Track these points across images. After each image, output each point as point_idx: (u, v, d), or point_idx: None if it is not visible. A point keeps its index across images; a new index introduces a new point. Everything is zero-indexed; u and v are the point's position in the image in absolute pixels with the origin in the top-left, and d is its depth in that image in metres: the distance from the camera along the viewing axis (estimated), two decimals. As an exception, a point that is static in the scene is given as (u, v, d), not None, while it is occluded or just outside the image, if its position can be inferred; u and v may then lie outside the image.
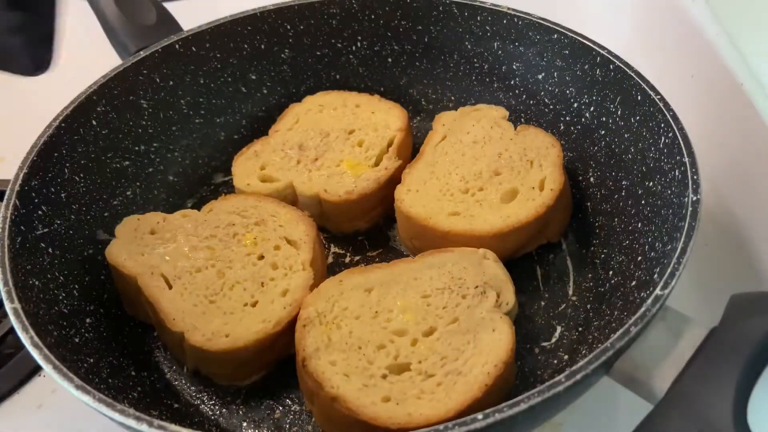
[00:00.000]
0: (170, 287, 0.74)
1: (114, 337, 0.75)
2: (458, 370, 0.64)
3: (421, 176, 0.84)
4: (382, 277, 0.72)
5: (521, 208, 0.79)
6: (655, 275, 0.66)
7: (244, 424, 0.70)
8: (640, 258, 0.73)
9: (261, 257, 0.76)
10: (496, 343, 0.66)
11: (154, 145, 0.90)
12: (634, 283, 0.72)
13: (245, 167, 0.87)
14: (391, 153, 0.87)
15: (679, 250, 0.62)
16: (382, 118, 0.91)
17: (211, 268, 0.75)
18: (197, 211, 0.81)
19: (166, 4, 0.98)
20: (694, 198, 0.66)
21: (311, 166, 0.86)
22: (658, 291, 0.58)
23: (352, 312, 0.69)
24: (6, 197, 0.71)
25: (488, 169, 0.83)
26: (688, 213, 0.65)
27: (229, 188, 0.91)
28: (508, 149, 0.85)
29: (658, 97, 0.76)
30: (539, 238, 0.82)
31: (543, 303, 0.79)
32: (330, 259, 0.85)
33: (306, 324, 0.68)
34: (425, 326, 0.68)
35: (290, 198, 0.85)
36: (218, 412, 0.71)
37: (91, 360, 0.68)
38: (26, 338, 0.60)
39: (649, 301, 0.58)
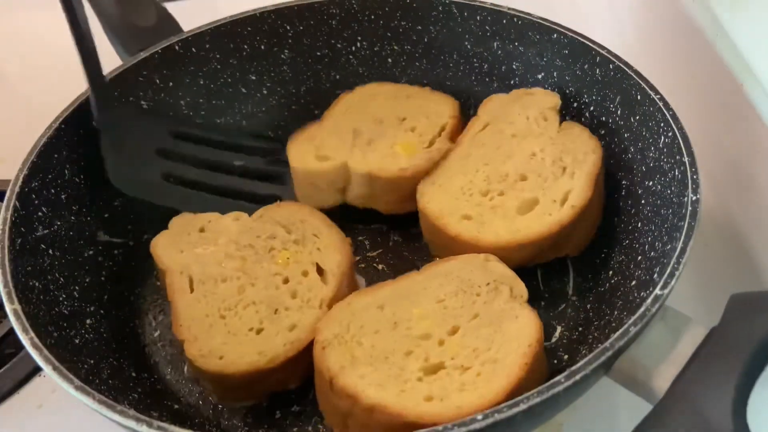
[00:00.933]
0: (192, 290, 0.73)
1: (114, 338, 0.75)
2: (493, 358, 0.63)
3: (450, 169, 0.82)
4: (390, 293, 0.70)
5: (535, 222, 0.75)
6: (655, 275, 0.66)
7: (245, 425, 0.70)
8: (639, 257, 0.73)
9: (286, 281, 0.73)
10: (523, 328, 0.65)
11: (155, 145, 0.90)
12: (633, 282, 0.72)
13: (300, 149, 0.88)
14: (444, 137, 0.88)
15: (678, 249, 0.62)
16: (433, 107, 0.92)
17: (236, 281, 0.73)
18: (247, 216, 0.80)
19: (165, 5, 0.98)
20: (694, 198, 0.66)
21: (365, 148, 0.87)
22: (657, 291, 0.58)
23: (369, 328, 0.67)
24: (6, 198, 0.71)
25: (516, 171, 0.79)
26: (688, 212, 0.65)
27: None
28: (543, 150, 0.80)
29: (658, 96, 0.76)
30: (556, 251, 0.78)
31: (543, 303, 0.79)
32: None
33: (325, 346, 0.66)
34: (448, 326, 0.67)
35: (343, 178, 0.85)
36: (218, 413, 0.71)
37: (92, 361, 0.68)
38: (26, 339, 0.60)
39: (649, 300, 0.58)
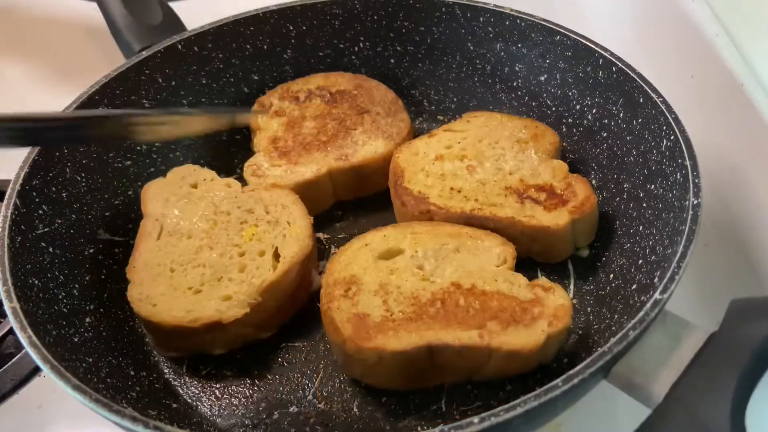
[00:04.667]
0: (158, 238, 0.78)
1: (114, 336, 0.75)
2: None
3: None
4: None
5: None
6: (656, 279, 0.66)
7: (242, 424, 0.70)
8: (641, 261, 0.73)
9: (242, 254, 0.76)
10: None
11: (156, 144, 0.90)
12: (634, 286, 0.72)
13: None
14: None
15: (679, 254, 0.61)
16: None
17: (198, 241, 0.78)
18: (240, 185, 0.84)
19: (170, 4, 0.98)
20: (695, 201, 0.65)
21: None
22: (657, 295, 0.58)
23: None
24: (7, 197, 0.71)
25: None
26: (689, 217, 0.64)
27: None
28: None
29: (660, 99, 0.75)
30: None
31: (543, 306, 0.78)
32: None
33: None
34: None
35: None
36: (216, 412, 0.71)
37: (90, 360, 0.68)
38: (24, 338, 0.60)
39: (648, 305, 0.57)
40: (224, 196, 0.82)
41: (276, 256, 0.76)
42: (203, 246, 0.77)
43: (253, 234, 0.78)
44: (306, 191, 0.84)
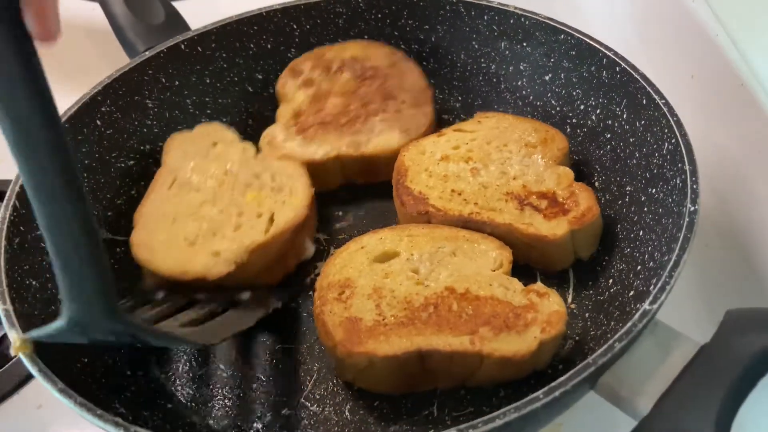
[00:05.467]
0: (169, 188, 0.82)
1: (111, 336, 0.76)
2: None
3: None
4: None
5: None
6: (652, 286, 0.64)
7: (235, 426, 0.71)
8: (639, 267, 0.72)
9: (240, 214, 0.79)
10: None
11: (160, 144, 0.91)
12: (632, 293, 0.70)
13: None
14: None
15: (672, 262, 0.60)
16: None
17: (203, 195, 0.81)
18: (255, 151, 0.87)
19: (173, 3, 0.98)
20: (692, 208, 0.64)
21: None
22: (646, 306, 0.57)
23: None
24: (6, 198, 0.72)
25: None
26: (685, 223, 0.63)
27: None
28: None
29: (663, 101, 0.74)
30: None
31: (541, 310, 0.77)
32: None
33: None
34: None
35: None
36: (210, 414, 0.72)
37: (85, 360, 0.69)
38: (15, 339, 0.61)
39: (636, 316, 0.56)
40: (237, 159, 0.85)
41: (271, 220, 0.79)
42: (206, 201, 0.81)
43: (254, 197, 0.81)
44: (314, 169, 0.86)
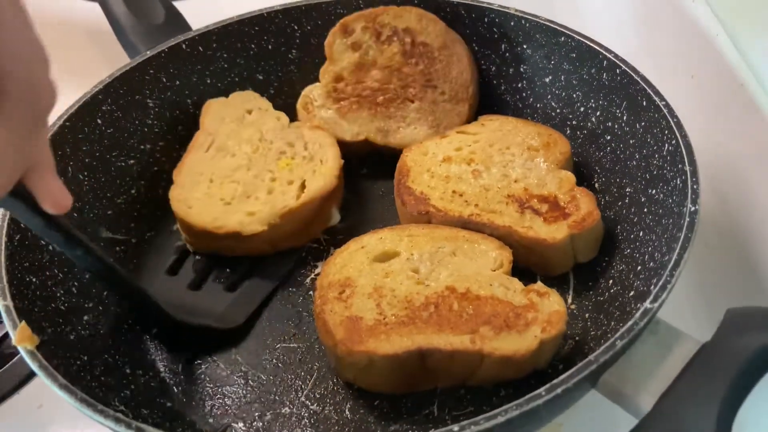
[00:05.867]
0: (207, 150, 0.87)
1: (111, 334, 0.75)
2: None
3: None
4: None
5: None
6: (652, 286, 0.64)
7: (235, 424, 0.71)
8: (639, 267, 0.72)
9: (273, 179, 0.84)
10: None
11: (160, 144, 0.91)
12: (632, 293, 0.71)
13: None
14: None
15: (672, 262, 0.60)
16: None
17: (239, 160, 0.86)
18: (288, 120, 0.91)
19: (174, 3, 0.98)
20: (693, 209, 0.64)
21: None
22: (647, 304, 0.57)
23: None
24: (7, 195, 0.72)
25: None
26: (686, 224, 0.63)
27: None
28: None
29: (663, 103, 0.74)
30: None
31: (541, 310, 0.78)
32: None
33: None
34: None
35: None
36: (209, 412, 0.72)
37: (85, 357, 0.69)
38: (16, 336, 0.61)
39: (638, 314, 0.57)
40: (271, 127, 0.90)
41: (302, 187, 0.84)
42: (242, 166, 0.86)
43: (287, 164, 0.86)
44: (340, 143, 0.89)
